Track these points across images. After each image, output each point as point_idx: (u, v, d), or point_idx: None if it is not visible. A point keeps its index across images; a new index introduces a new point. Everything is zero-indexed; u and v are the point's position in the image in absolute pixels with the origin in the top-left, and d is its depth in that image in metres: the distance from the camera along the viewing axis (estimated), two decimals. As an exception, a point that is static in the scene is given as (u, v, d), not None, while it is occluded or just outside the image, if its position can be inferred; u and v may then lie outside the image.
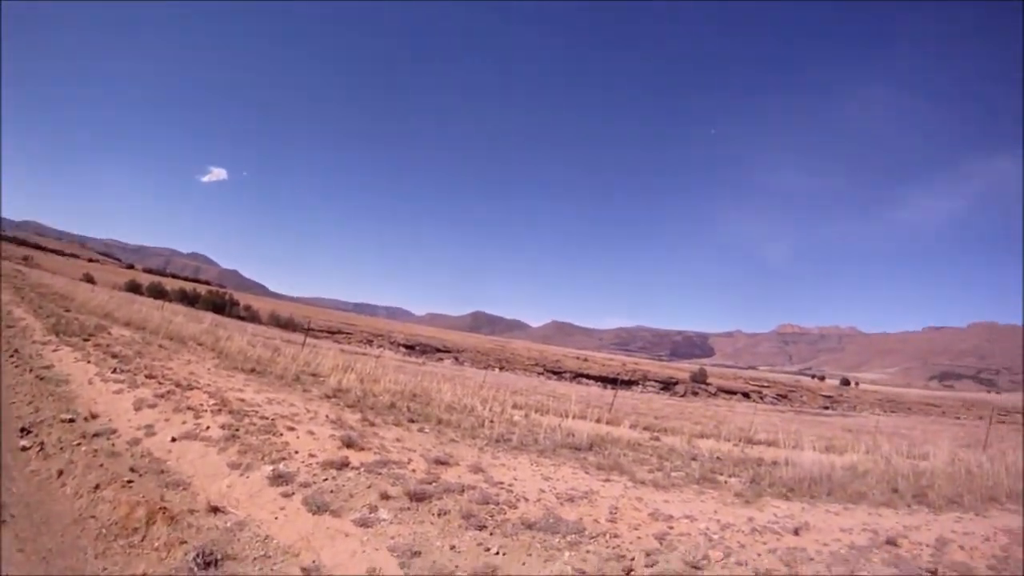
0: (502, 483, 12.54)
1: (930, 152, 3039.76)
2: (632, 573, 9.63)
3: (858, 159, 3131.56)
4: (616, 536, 10.82)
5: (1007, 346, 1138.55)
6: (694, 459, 18.91)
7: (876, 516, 14.20)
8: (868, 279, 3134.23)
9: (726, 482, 15.97)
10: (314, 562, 8.97)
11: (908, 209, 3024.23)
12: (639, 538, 10.91)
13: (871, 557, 11.37)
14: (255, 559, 9.07)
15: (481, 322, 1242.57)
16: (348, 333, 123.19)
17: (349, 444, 13.37)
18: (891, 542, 12.14)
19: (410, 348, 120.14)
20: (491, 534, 10.13)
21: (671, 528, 11.56)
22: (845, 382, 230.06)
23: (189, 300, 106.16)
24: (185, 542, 9.13)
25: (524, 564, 9.47)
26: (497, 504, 11.22)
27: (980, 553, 12.27)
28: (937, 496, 16.21)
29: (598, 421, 26.47)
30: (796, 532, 12.18)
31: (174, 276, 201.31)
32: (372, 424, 16.06)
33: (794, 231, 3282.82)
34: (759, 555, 10.85)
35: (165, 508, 9.82)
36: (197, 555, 8.62)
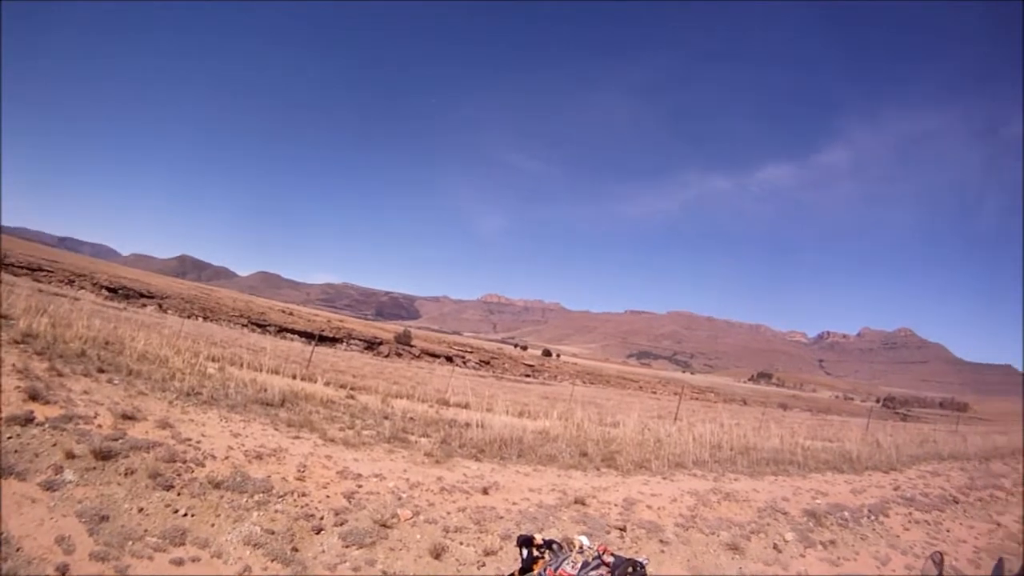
0: (190, 440, 12.27)
1: (655, 159, 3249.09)
2: (322, 532, 9.87)
3: (590, 154, 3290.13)
4: (305, 495, 11.00)
5: (700, 333, 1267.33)
6: (387, 418, 19.23)
7: (566, 478, 15.11)
8: (577, 261, 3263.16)
9: (417, 442, 16.45)
10: (2, 534, 8.47)
11: (627, 204, 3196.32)
12: (328, 497, 11.15)
13: (560, 515, 12.24)
14: (-59, 537, 8.48)
15: (188, 266, 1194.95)
16: (49, 271, 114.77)
17: (35, 397, 12.39)
18: (580, 501, 13.03)
19: (113, 291, 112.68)
20: (179, 494, 10.02)
21: (360, 487, 11.85)
22: (547, 353, 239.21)
23: None
24: None
25: (213, 525, 9.51)
26: (185, 462, 11.05)
27: (667, 512, 13.55)
28: (626, 461, 17.46)
29: (294, 377, 26.00)
30: (485, 491, 12.80)
31: None
32: (60, 374, 14.87)
33: (513, 208, 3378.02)
34: (448, 513, 11.44)
35: None
36: None
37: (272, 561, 8.94)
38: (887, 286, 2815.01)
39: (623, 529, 12.30)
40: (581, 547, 4.90)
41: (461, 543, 10.53)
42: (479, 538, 10.78)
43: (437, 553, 9.97)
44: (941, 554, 4.30)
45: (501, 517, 11.72)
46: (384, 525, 10.38)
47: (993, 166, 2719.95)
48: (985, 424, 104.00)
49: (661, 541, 12.20)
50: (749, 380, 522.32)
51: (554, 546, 4.96)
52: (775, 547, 13.18)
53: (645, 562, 4.73)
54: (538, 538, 5.02)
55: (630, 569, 4.61)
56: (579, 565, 4.68)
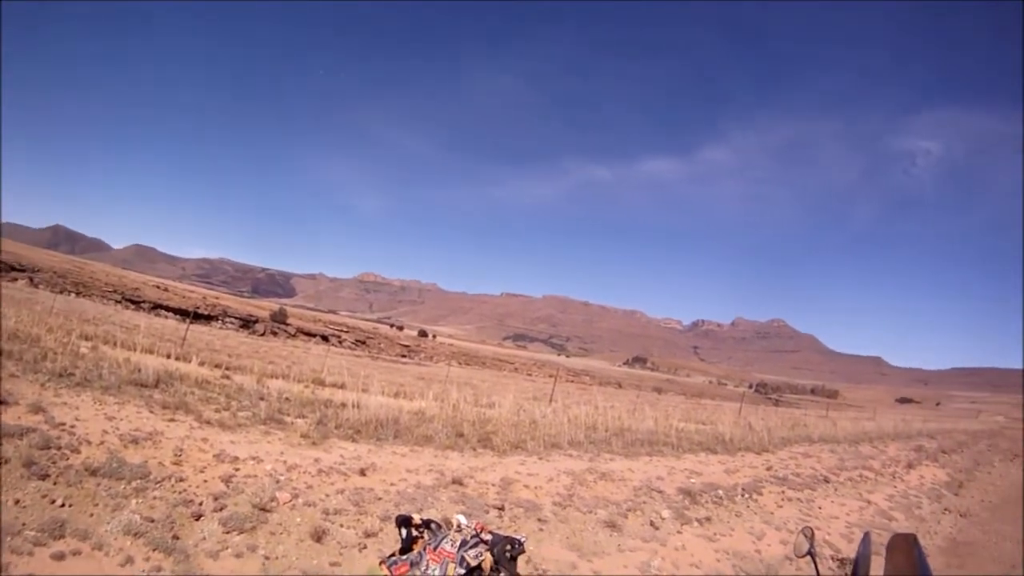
0: (64, 424, 11.86)
1: (538, 145, 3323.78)
2: (201, 518, 9.78)
3: (475, 137, 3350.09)
4: (183, 480, 10.83)
5: (575, 317, 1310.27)
6: (262, 399, 18.90)
7: (443, 458, 15.32)
8: (455, 242, 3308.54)
9: (293, 423, 16.35)
10: None
11: (508, 188, 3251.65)
12: (206, 481, 11.00)
13: (438, 496, 12.43)
14: None
15: (61, 238, 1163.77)
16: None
17: (-97, 385, 12.17)
18: (457, 482, 13.29)
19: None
20: (55, 483, 9.69)
21: (237, 470, 11.74)
22: (423, 333, 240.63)
23: None
24: None
25: (92, 515, 9.25)
26: (60, 449, 10.70)
27: (544, 492, 13.95)
28: (502, 441, 17.84)
29: (168, 356, 25.41)
30: (363, 472, 12.91)
31: None
32: (-72, 358, 14.45)
33: (394, 187, 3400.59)
34: (327, 495, 11.49)
35: None
36: None
37: (154, 551, 8.75)
38: (761, 279, 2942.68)
39: (501, 508, 12.59)
40: (459, 526, 5.05)
41: (341, 525, 10.59)
42: (359, 520, 10.87)
43: (318, 536, 10.01)
44: (812, 529, 4.58)
45: (380, 498, 11.82)
46: (263, 509, 10.33)
47: (871, 173, 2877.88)
48: (855, 410, 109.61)
49: (539, 520, 12.53)
50: (624, 364, 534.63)
51: (432, 525, 5.10)
52: (652, 524, 13.70)
53: (523, 539, 4.93)
54: (416, 518, 5.15)
55: (508, 546, 4.80)
56: (458, 543, 4.83)
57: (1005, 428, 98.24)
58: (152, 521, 9.30)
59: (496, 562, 4.79)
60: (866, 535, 3.97)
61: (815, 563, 4.22)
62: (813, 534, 4.52)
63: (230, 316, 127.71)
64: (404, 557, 4.90)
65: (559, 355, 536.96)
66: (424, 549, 4.89)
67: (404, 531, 5.07)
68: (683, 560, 12.43)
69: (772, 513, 16.60)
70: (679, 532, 13.70)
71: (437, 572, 4.69)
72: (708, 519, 14.87)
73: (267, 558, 9.26)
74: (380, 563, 4.92)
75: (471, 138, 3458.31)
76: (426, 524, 5.12)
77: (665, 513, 14.37)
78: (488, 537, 4.91)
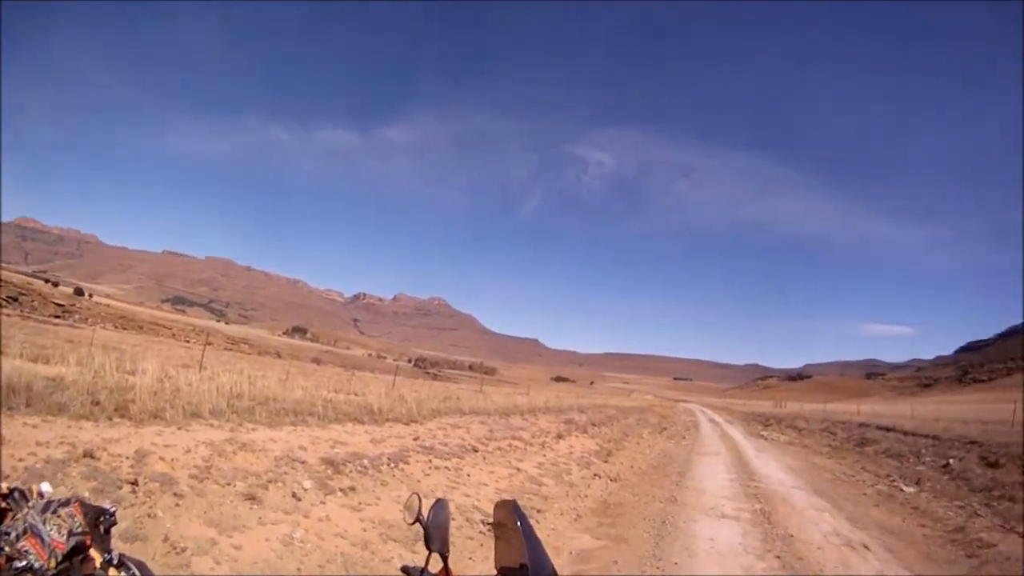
0: None
1: (218, 96, 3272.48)
2: None
3: (154, 76, 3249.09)
4: None
5: (238, 282, 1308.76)
6: None
7: (76, 429, 14.48)
8: (120, 189, 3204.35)
9: None
10: None
11: (180, 137, 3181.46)
12: None
13: (69, 471, 11.79)
14: None
15: None
16: None
17: None
18: (89, 455, 12.61)
19: None
20: None
21: None
22: (79, 292, 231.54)
23: None
24: None
25: None
26: None
27: (181, 464, 13.58)
28: (140, 410, 16.98)
29: None
30: (-12, 446, 12.11)
31: None
32: None
33: (67, 114, 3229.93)
34: (-56, 474, 10.72)
35: None
36: None
37: None
38: (424, 258, 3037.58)
39: (135, 483, 12.10)
40: (41, 493, 4.93)
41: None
42: (-20, 499, 10.05)
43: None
44: (419, 496, 4.65)
45: (7, 475, 10.95)
46: None
47: (544, 173, 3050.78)
48: (510, 387, 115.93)
49: (176, 494, 12.21)
50: (284, 334, 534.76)
51: (15, 494, 4.95)
52: (294, 495, 13.75)
53: (113, 509, 4.86)
54: (4, 487, 4.98)
55: (100, 517, 4.72)
56: (41, 511, 4.71)
57: (655, 405, 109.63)
58: None
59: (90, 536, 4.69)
60: (440, 501, 4.14)
61: (424, 530, 4.29)
62: (421, 500, 4.63)
63: None
64: None
65: (219, 321, 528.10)
66: (14, 519, 4.74)
67: None
68: (327, 530, 12.64)
69: (419, 481, 17.19)
70: (323, 503, 13.87)
71: (22, 543, 4.56)
72: (353, 489, 15.21)
73: None
74: None
75: (152, 76, 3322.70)
76: (11, 493, 4.96)
77: (307, 484, 14.52)
78: (71, 509, 4.80)
